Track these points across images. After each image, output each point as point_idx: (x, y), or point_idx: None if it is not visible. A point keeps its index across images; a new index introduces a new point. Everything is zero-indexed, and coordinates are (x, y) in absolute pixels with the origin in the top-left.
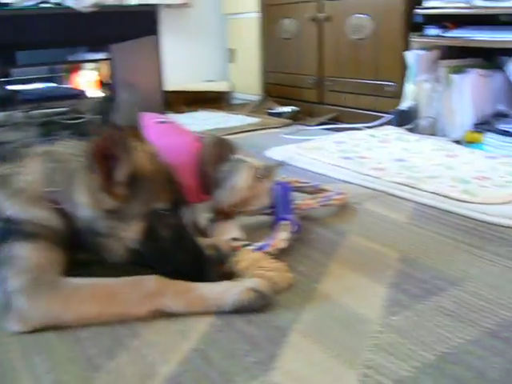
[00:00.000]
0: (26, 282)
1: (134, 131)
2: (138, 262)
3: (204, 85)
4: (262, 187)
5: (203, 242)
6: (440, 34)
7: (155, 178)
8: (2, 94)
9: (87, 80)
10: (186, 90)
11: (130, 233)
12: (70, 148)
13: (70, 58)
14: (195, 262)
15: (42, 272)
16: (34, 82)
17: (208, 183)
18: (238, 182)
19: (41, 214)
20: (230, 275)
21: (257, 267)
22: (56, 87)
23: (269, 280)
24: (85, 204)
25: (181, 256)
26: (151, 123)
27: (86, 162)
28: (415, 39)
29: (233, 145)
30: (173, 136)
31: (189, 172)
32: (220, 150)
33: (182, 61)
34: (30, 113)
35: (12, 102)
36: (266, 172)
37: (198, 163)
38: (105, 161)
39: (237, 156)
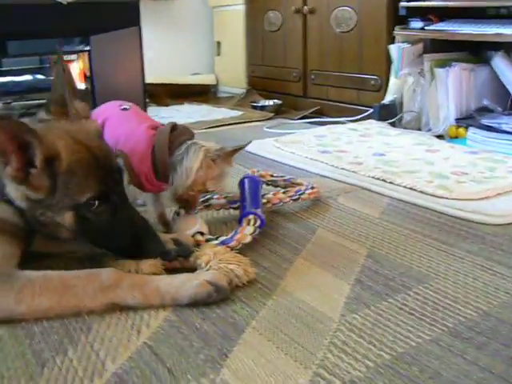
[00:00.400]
0: None
1: (63, 109)
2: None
3: (190, 78)
4: (218, 169)
5: (165, 236)
6: (424, 27)
7: (78, 168)
8: None
9: (76, 72)
10: (172, 82)
11: (64, 220)
12: None
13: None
14: (135, 240)
15: None
16: (23, 74)
17: (163, 170)
18: (191, 164)
19: None
20: (192, 270)
21: (218, 261)
22: (44, 79)
23: (229, 273)
24: (14, 197)
25: (119, 235)
26: (115, 110)
27: None
28: (399, 32)
29: (188, 130)
30: (131, 123)
31: (144, 160)
32: (173, 135)
33: (168, 53)
34: (12, 104)
35: None
36: (221, 152)
37: (152, 150)
38: (11, 151)
39: (192, 140)
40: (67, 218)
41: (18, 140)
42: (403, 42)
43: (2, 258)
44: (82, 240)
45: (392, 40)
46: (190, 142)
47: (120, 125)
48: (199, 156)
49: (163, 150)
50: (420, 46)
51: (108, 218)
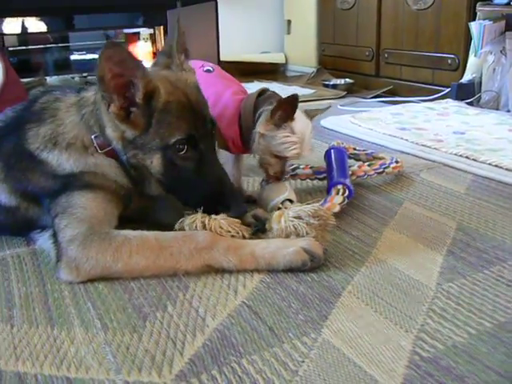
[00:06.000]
0: (81, 232)
1: (169, 60)
2: (171, 193)
3: (260, 56)
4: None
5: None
6: (510, 3)
7: (173, 108)
8: (60, 60)
9: (143, 51)
10: (242, 60)
11: (152, 164)
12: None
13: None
14: (218, 196)
15: (97, 223)
16: (93, 52)
17: (248, 136)
18: (257, 129)
19: (95, 162)
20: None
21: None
22: None
23: (305, 213)
24: (113, 138)
25: (203, 187)
26: (197, 72)
27: (100, 92)
28: (482, 8)
29: (275, 95)
30: (217, 87)
31: (232, 125)
32: (259, 101)
33: (238, 31)
34: (87, 78)
35: (68, 68)
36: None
37: (239, 116)
38: (116, 82)
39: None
40: (155, 160)
41: (119, 68)
42: (485, 19)
43: (103, 217)
44: (171, 194)
45: (472, 17)
46: (266, 108)
47: (206, 88)
48: (263, 120)
49: (248, 116)
50: (502, 23)
51: (194, 167)
